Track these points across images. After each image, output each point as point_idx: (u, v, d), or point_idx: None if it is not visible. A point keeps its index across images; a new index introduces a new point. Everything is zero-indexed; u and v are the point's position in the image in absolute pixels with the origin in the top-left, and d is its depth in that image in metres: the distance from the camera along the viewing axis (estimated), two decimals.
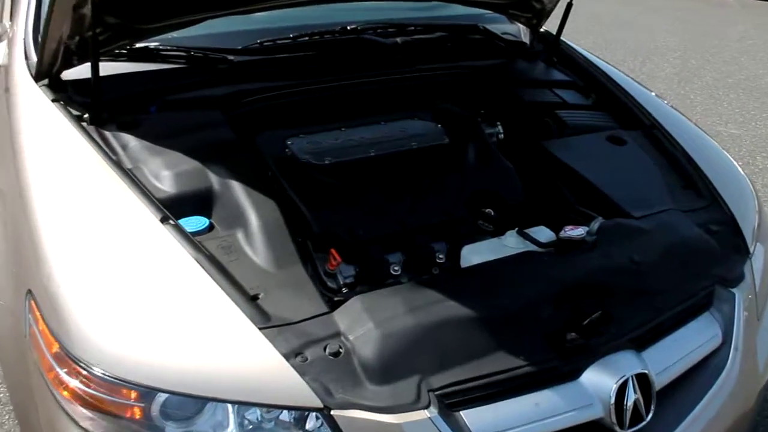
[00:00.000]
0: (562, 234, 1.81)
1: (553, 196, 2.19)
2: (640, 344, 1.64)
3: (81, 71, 2.22)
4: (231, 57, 2.45)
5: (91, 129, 2.13)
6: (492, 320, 1.56)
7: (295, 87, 2.45)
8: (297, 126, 2.33)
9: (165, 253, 1.66)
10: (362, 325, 1.51)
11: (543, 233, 1.87)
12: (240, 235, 1.78)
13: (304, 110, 2.49)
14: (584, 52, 3.01)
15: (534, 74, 2.82)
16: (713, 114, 6.01)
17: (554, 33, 2.87)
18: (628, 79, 2.79)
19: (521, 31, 3.07)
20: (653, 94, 2.79)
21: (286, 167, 2.01)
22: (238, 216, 1.82)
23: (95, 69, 2.09)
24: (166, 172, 1.94)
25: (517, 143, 2.41)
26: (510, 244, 1.83)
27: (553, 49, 2.90)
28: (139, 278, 1.61)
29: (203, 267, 1.61)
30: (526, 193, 2.11)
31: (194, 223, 1.87)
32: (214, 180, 1.92)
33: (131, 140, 2.07)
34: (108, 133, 2.12)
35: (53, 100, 2.19)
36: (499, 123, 2.42)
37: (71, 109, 2.17)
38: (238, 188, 1.89)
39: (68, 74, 2.24)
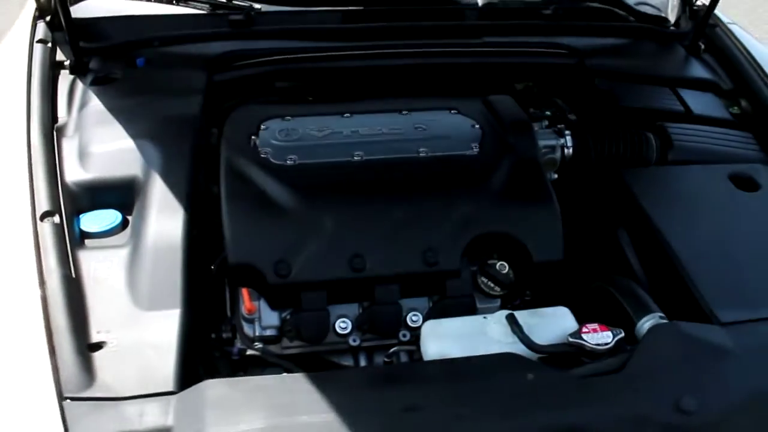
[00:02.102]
0: (572, 338, 1.14)
1: (605, 261, 1.48)
2: None
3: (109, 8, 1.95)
4: (258, 5, 2.00)
5: (67, 78, 1.83)
6: None
7: (318, 51, 1.92)
8: (299, 103, 1.82)
9: (8, 263, 1.27)
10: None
11: (550, 325, 1.21)
12: (132, 249, 1.34)
13: (315, 83, 1.96)
14: (752, 40, 2.11)
15: (659, 65, 2.02)
16: None
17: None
18: None
19: (670, 4, 2.23)
20: None
21: (241, 161, 1.51)
22: (143, 222, 1.39)
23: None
24: (98, 149, 1.56)
25: (584, 167, 1.69)
26: (492, 332, 1.20)
27: (700, 29, 2.05)
28: None
29: (46, 292, 1.20)
30: (568, 250, 1.42)
31: (103, 218, 1.47)
32: (143, 168, 1.50)
33: (92, 101, 1.73)
34: (79, 88, 1.80)
35: (39, 41, 1.89)
36: (569, 133, 1.70)
37: (62, 52, 1.88)
38: (158, 185, 1.45)
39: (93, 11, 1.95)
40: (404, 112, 1.69)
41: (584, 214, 1.66)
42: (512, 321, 1.18)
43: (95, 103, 1.71)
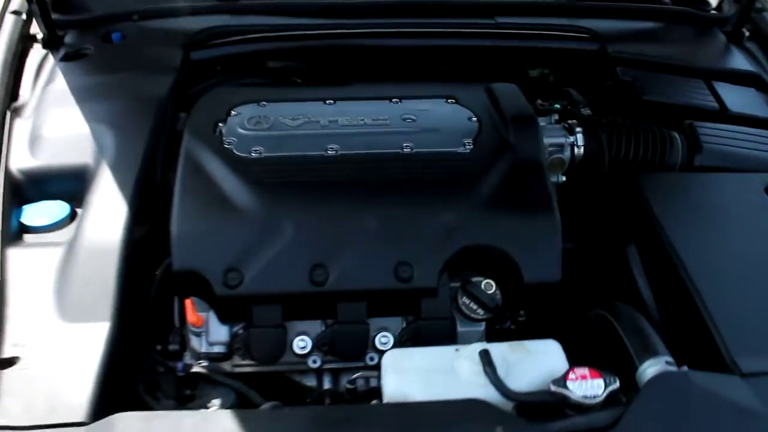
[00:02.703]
0: (556, 386, 0.95)
1: (611, 283, 1.28)
2: None
3: None
4: None
5: (39, 54, 1.69)
6: None
7: (311, 29, 1.74)
8: (283, 86, 1.64)
9: None
10: None
11: (534, 364, 1.02)
12: (68, 248, 1.19)
13: (306, 64, 1.78)
14: None
15: (694, 53, 1.78)
16: None
17: None
18: None
19: None
20: None
21: (202, 151, 1.34)
22: (84, 217, 1.24)
23: None
24: (51, 133, 1.44)
25: (597, 169, 1.47)
26: (462, 370, 1.02)
27: (745, 14, 1.80)
28: None
29: None
30: (569, 267, 1.22)
31: (48, 211, 1.33)
32: (95, 155, 1.35)
33: (57, 79, 1.61)
34: (49, 64, 1.67)
35: (13, 11, 1.76)
36: (580, 131, 1.48)
37: (37, 25, 1.74)
38: (106, 175, 1.30)
39: None
40: (394, 100, 1.50)
41: (592, 226, 1.45)
42: (485, 360, 0.99)
43: (59, 81, 1.58)
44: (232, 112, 1.45)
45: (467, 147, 1.36)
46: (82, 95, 1.50)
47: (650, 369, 1.00)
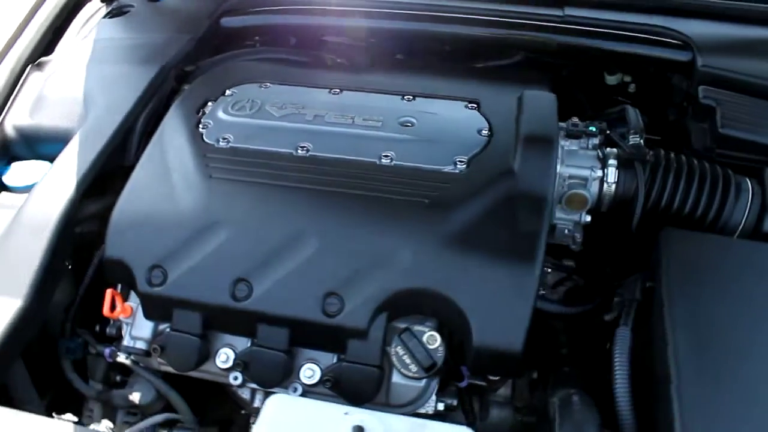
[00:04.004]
0: None
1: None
2: None
3: None
4: None
5: (96, 6, 1.71)
6: None
7: (356, 7, 1.57)
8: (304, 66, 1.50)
9: None
10: None
11: None
12: (17, 215, 1.17)
13: (342, 44, 1.62)
14: None
15: None
16: None
17: None
18: None
19: None
20: None
21: (175, 131, 1.26)
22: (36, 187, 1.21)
23: None
24: (54, 93, 1.42)
25: (625, 217, 1.17)
26: None
27: None
28: None
29: None
30: (536, 340, 0.99)
31: (30, 172, 1.32)
32: (79, 120, 1.32)
33: (89, 36, 1.58)
34: (93, 20, 1.66)
35: None
36: (614, 164, 1.18)
37: None
38: (74, 143, 1.25)
39: None
40: (407, 97, 1.31)
41: (594, 286, 1.18)
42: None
43: (89, 38, 1.57)
44: (227, 91, 1.35)
45: (458, 166, 1.14)
46: (97, 55, 1.47)
47: None
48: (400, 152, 1.17)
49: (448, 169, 1.14)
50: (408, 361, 1.02)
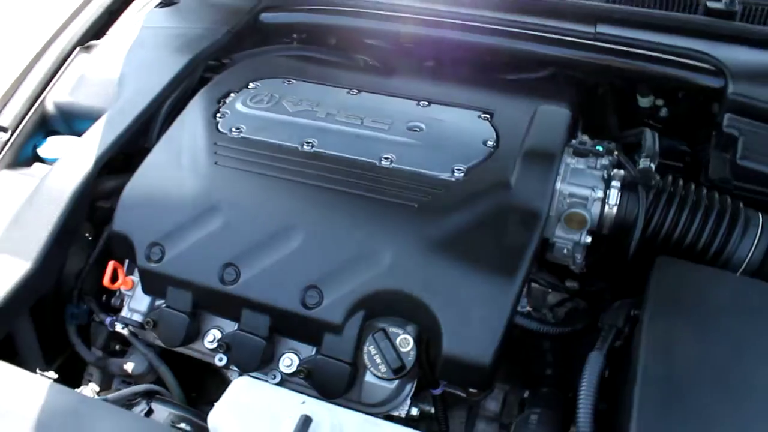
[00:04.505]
0: None
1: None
2: None
3: None
4: None
5: None
6: None
7: (391, 10, 1.60)
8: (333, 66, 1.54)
9: None
10: None
11: None
12: (38, 185, 1.26)
13: (378, 46, 1.64)
14: None
15: None
16: None
17: None
18: None
19: None
20: None
21: (195, 117, 1.32)
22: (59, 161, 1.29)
23: None
24: (94, 75, 1.50)
25: (622, 243, 1.14)
26: (281, 426, 0.87)
27: None
28: None
29: None
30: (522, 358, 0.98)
31: (60, 146, 1.41)
32: (110, 101, 1.40)
33: (137, 23, 1.65)
34: (147, 9, 1.76)
35: None
36: (616, 186, 1.15)
37: None
38: (99, 124, 1.33)
39: None
40: (422, 103, 1.32)
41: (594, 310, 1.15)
42: (300, 427, 0.83)
43: (136, 25, 1.65)
44: (251, 84, 1.40)
45: (455, 174, 1.15)
46: (139, 41, 1.55)
47: None
48: (401, 155, 1.19)
49: (445, 176, 1.15)
50: (378, 361, 1.02)
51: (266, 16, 1.66)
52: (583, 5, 1.46)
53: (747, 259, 1.08)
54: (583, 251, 1.19)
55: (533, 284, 1.24)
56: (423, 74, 1.54)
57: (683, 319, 0.94)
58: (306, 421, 0.85)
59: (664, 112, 1.50)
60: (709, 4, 1.43)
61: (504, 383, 1.22)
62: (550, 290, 1.25)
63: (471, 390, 1.13)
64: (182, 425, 0.98)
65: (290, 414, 0.89)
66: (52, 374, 1.02)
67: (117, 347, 1.29)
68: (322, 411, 0.88)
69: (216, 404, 0.94)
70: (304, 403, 0.91)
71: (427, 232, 1.07)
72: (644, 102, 1.51)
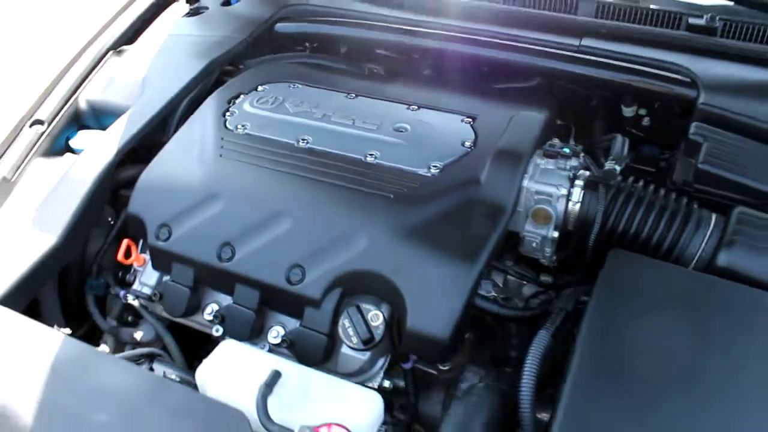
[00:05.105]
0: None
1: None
2: None
3: None
4: None
5: (182, 6, 1.98)
6: None
7: (393, 23, 1.73)
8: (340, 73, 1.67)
9: None
10: None
11: (334, 409, 0.95)
12: (66, 171, 1.42)
13: (382, 57, 1.76)
14: None
15: None
16: None
17: None
18: None
19: None
20: None
21: (206, 115, 1.47)
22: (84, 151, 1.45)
23: None
24: (123, 76, 1.66)
25: (584, 236, 1.23)
26: (257, 381, 0.99)
27: None
28: None
29: None
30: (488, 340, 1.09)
31: (89, 138, 1.57)
32: (134, 99, 1.56)
33: (167, 31, 1.82)
34: (175, 18, 1.93)
35: None
36: (579, 185, 1.24)
37: None
38: (123, 119, 1.49)
39: None
40: (412, 107, 1.44)
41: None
42: (269, 379, 0.95)
43: (164, 33, 1.81)
44: (259, 87, 1.54)
45: (431, 170, 1.27)
46: (165, 47, 1.71)
47: None
48: (385, 153, 1.31)
49: (422, 171, 1.27)
50: (351, 333, 1.14)
51: (281, 26, 1.80)
52: (570, 20, 1.57)
53: (697, 255, 1.17)
54: (552, 245, 1.29)
55: (509, 276, 1.34)
56: (418, 81, 1.65)
57: (627, 304, 1.03)
58: (275, 375, 0.98)
59: (646, 121, 1.59)
60: (691, 21, 1.52)
61: (480, 368, 1.32)
62: (524, 282, 1.35)
63: (441, 367, 1.23)
64: (172, 376, 1.12)
65: (266, 371, 1.01)
66: (67, 330, 1.17)
67: (130, 318, 1.44)
68: (293, 370, 1.01)
69: (204, 361, 1.07)
70: (278, 362, 1.03)
71: (400, 220, 1.19)
72: (628, 111, 1.60)
